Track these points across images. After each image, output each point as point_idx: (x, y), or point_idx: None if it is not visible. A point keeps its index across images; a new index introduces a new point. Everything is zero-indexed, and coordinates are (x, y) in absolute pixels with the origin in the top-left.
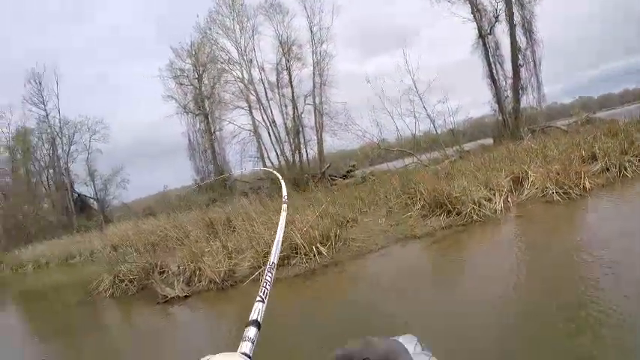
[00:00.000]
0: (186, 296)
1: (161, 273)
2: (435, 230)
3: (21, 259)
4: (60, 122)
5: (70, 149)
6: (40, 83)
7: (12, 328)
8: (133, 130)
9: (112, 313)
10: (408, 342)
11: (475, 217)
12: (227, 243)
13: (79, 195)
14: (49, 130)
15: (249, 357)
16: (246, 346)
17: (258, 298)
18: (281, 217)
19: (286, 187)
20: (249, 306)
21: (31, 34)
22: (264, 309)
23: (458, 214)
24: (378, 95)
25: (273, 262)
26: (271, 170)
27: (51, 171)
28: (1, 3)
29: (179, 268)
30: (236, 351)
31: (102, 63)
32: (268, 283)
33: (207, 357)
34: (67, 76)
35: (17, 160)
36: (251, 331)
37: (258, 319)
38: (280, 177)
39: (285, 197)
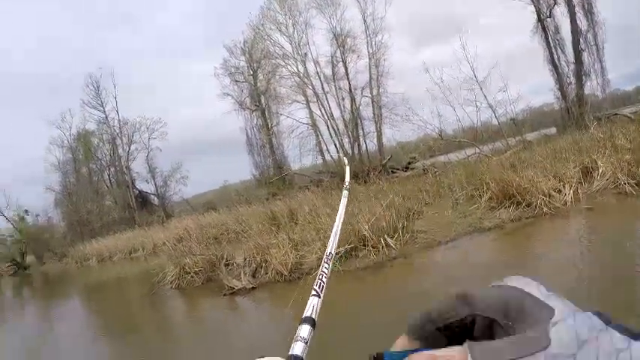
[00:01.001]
0: (252, 288)
1: (226, 265)
2: (503, 222)
3: (85, 253)
4: (119, 123)
5: (130, 148)
6: (98, 87)
7: (81, 321)
8: (191, 127)
9: (179, 304)
10: (525, 285)
11: (545, 208)
12: (292, 235)
13: (140, 192)
14: (108, 131)
15: (302, 359)
16: (298, 348)
17: (314, 292)
18: (341, 204)
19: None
20: None
21: (89, 39)
22: (320, 305)
23: (527, 205)
24: (437, 84)
25: (330, 253)
26: (341, 156)
27: (112, 169)
28: (61, 10)
29: (245, 260)
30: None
31: (159, 64)
32: (325, 275)
33: None
34: (124, 78)
35: (79, 160)
36: (304, 330)
37: (313, 316)
38: (347, 162)
39: (347, 183)
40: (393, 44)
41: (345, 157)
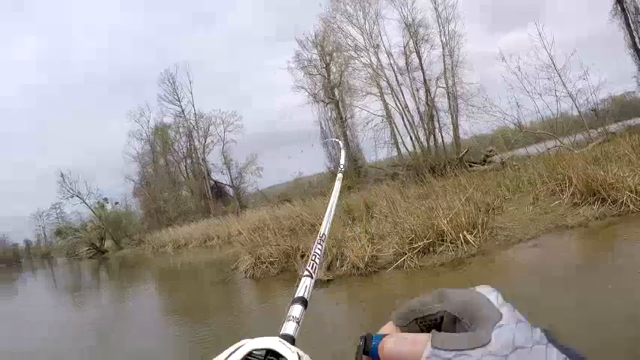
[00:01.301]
0: (328, 280)
1: (302, 256)
2: (587, 220)
3: (162, 240)
4: (195, 116)
5: (205, 141)
6: (174, 82)
7: (153, 301)
8: (266, 120)
9: (252, 292)
10: (487, 292)
11: (632, 206)
12: (369, 228)
13: (215, 182)
14: (185, 124)
15: (293, 338)
16: (290, 327)
17: (306, 273)
18: (335, 187)
19: (424, 174)
20: (392, 293)
21: (164, 37)
22: (312, 285)
23: (613, 202)
24: (514, 73)
25: (323, 234)
26: (334, 140)
27: (189, 161)
28: (137, 13)
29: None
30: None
31: (233, 60)
32: (318, 256)
33: (244, 341)
34: (200, 73)
35: (157, 151)
36: (296, 310)
37: (306, 296)
38: (342, 145)
39: (342, 166)
40: (466, 32)
41: (339, 140)
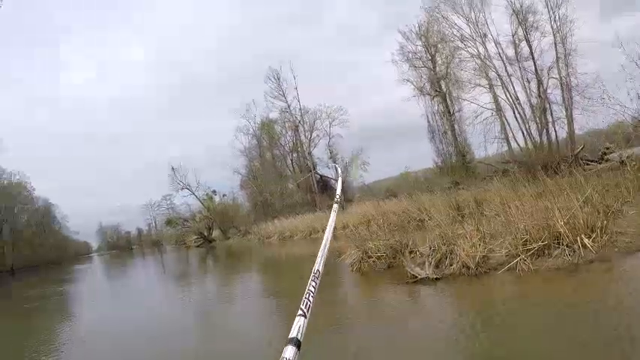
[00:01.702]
0: (436, 279)
1: (410, 253)
2: None
3: (267, 231)
4: (301, 111)
5: (311, 135)
6: (279, 79)
7: (255, 287)
8: (371, 114)
9: (358, 286)
10: None
11: None
12: (480, 227)
13: (321, 176)
14: (291, 119)
15: None
16: None
17: (300, 312)
18: (330, 219)
19: (535, 171)
20: (503, 296)
21: (270, 36)
22: (305, 325)
23: None
24: (634, 62)
25: (317, 270)
26: (334, 165)
27: (295, 155)
28: (243, 15)
29: (430, 249)
30: None
31: (337, 53)
32: (312, 294)
33: None
34: (304, 70)
35: (264, 146)
36: (289, 352)
37: (299, 337)
38: (339, 172)
39: (338, 196)
40: (577, 18)
41: (337, 167)
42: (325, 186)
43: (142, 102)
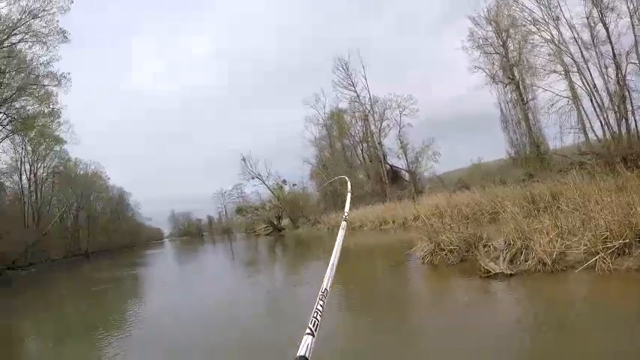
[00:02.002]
0: (510, 274)
1: (484, 246)
2: None
3: (337, 221)
4: (370, 101)
5: (381, 125)
6: (348, 69)
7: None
8: (442, 103)
9: (429, 279)
10: None
11: None
12: (558, 221)
13: (391, 166)
14: (360, 109)
15: None
16: None
17: (308, 331)
18: (338, 236)
19: (614, 163)
20: (580, 296)
21: (337, 25)
22: (313, 344)
23: None
24: None
25: (325, 289)
26: (344, 177)
27: (365, 145)
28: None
29: (505, 243)
30: None
31: (406, 41)
32: (319, 313)
33: None
34: (374, 58)
35: (333, 136)
36: None
37: (307, 355)
38: (349, 186)
39: (347, 214)
40: None
41: (347, 179)
42: (395, 176)
43: (213, 93)
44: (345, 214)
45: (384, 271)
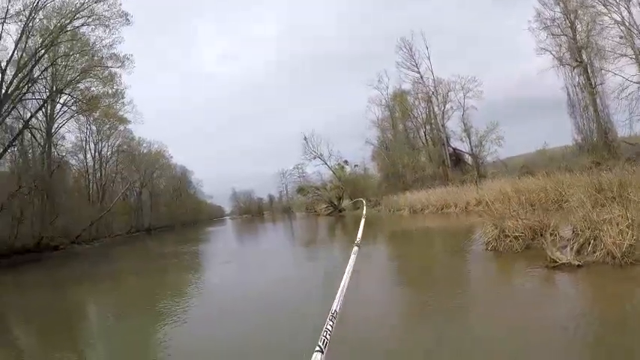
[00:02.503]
0: (578, 265)
1: (550, 235)
2: None
3: (398, 203)
4: (434, 82)
5: (445, 107)
6: (411, 49)
7: (383, 263)
8: (507, 86)
9: (492, 266)
10: None
11: None
12: (628, 212)
13: (454, 150)
14: (424, 90)
15: None
16: None
17: (317, 348)
18: (350, 260)
19: None
20: None
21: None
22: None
23: None
24: None
25: (335, 311)
26: (360, 200)
27: (427, 127)
28: None
29: (573, 232)
30: None
31: (468, 24)
32: (329, 332)
33: None
34: (438, 40)
35: (396, 117)
36: None
37: None
38: (364, 211)
39: (359, 239)
40: None
41: (364, 202)
42: (458, 160)
43: (274, 74)
44: (358, 239)
45: (447, 255)
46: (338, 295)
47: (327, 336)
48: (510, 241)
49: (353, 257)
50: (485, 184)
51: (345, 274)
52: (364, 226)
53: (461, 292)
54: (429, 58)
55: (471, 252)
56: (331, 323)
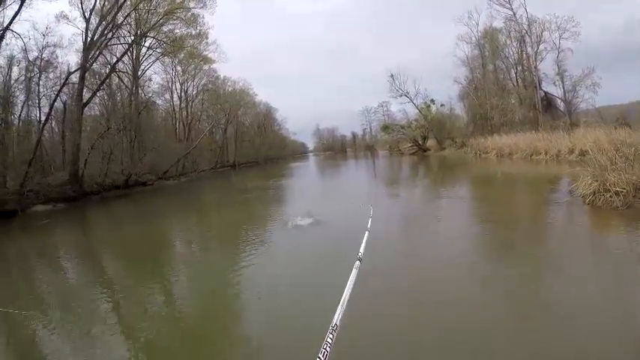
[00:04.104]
0: None
1: None
2: None
3: (485, 146)
4: (527, 21)
5: (538, 48)
6: None
7: (461, 205)
8: (609, 29)
9: (590, 222)
10: None
11: None
12: None
13: (545, 94)
14: (516, 29)
15: None
16: None
17: None
18: (351, 275)
19: None
20: None
21: None
22: None
23: None
24: None
25: (335, 324)
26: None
27: (519, 68)
28: None
29: None
30: None
31: None
32: (329, 345)
33: None
34: None
35: (486, 56)
36: None
37: None
38: (369, 224)
39: (361, 253)
40: None
41: (371, 208)
42: (549, 105)
43: (359, 11)
44: (360, 253)
45: (539, 207)
46: (338, 309)
47: (328, 348)
48: (611, 196)
49: (354, 272)
50: (578, 133)
51: (347, 287)
52: (445, 171)
53: (555, 250)
54: None
55: (566, 203)
56: (331, 337)
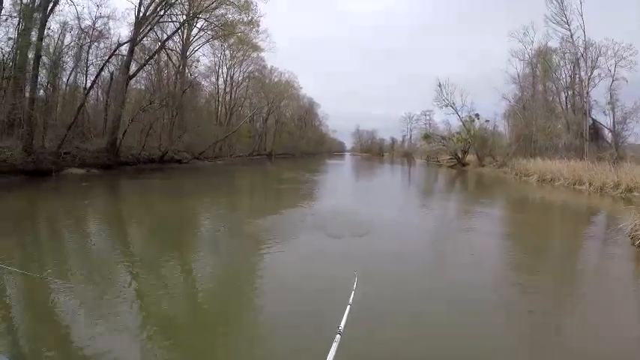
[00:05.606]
0: None
1: None
2: None
3: (527, 168)
4: (584, 43)
5: (592, 73)
6: (562, 2)
7: (495, 230)
8: None
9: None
10: None
11: None
12: None
13: (594, 122)
14: (572, 51)
15: None
16: None
17: None
18: (331, 349)
19: None
20: None
21: None
22: None
23: None
24: None
25: (340, 328)
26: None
27: (570, 92)
28: None
29: None
30: None
31: None
32: (333, 350)
33: None
34: None
35: (537, 76)
36: None
37: None
38: (355, 283)
39: (340, 328)
40: None
41: (356, 276)
42: (596, 134)
43: (413, 16)
44: (340, 327)
45: (584, 240)
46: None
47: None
48: None
49: (335, 345)
50: (625, 167)
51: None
52: (488, 190)
53: (593, 290)
54: (581, 15)
55: (611, 242)
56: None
